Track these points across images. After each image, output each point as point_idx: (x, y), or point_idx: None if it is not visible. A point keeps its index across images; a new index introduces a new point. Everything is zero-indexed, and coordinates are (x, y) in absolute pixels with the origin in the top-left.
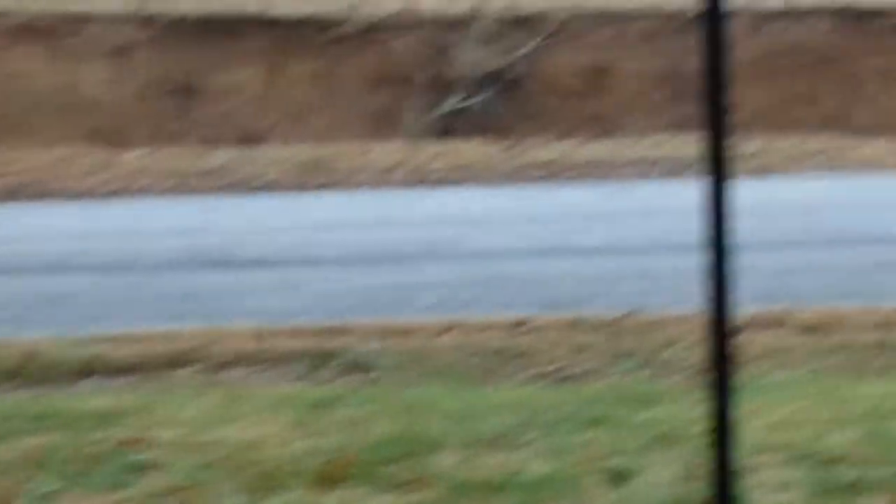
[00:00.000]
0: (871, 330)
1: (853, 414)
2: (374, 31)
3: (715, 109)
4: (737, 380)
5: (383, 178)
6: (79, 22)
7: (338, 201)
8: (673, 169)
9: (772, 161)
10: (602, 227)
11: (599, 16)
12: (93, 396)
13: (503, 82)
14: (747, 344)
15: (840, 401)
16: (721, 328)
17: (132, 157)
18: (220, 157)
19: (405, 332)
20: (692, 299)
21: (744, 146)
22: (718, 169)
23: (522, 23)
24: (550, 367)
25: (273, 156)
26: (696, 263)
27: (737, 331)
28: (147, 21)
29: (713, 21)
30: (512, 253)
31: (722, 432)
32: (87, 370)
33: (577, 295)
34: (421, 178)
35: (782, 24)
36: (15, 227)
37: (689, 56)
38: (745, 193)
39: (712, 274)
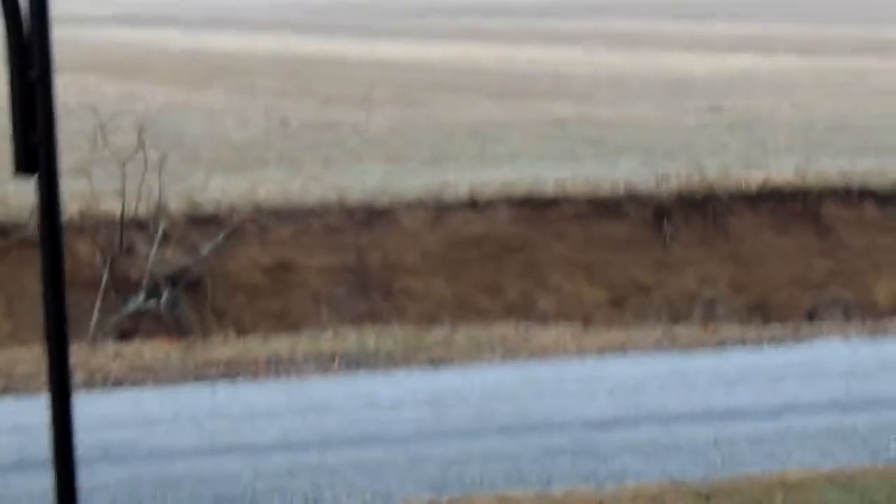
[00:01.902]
0: None
1: None
2: None
3: (55, 323)
4: None
5: None
6: None
7: (14, 407)
8: (352, 362)
9: (452, 351)
10: (278, 423)
11: (281, 212)
12: None
13: (187, 281)
14: None
15: None
16: None
17: None
18: None
19: None
20: (365, 492)
21: (426, 337)
22: (62, 385)
23: (205, 222)
24: None
25: None
26: (369, 456)
27: None
28: None
29: (50, 224)
30: (187, 452)
31: None
32: None
33: (252, 492)
34: (99, 380)
35: (464, 216)
36: None
37: (371, 249)
38: (424, 384)
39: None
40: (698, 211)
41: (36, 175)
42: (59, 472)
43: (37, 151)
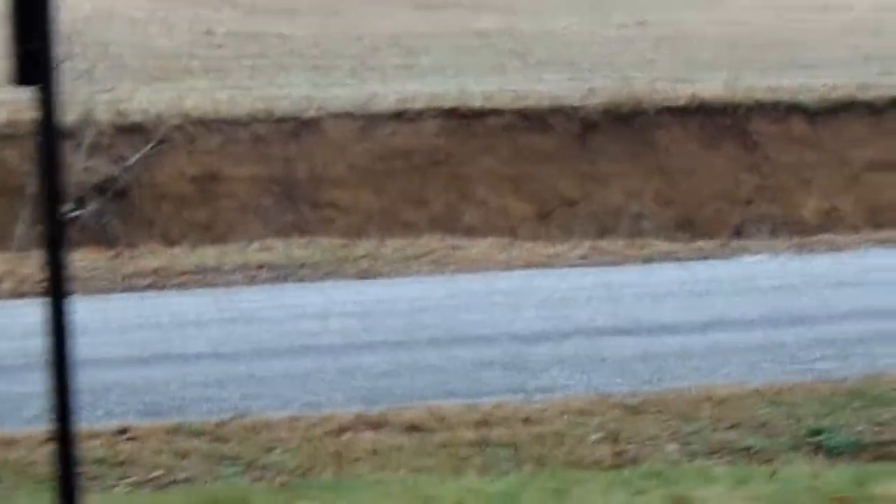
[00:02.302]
0: (471, 428)
1: None
2: None
3: (52, 226)
4: (321, 481)
5: None
6: None
7: None
8: (280, 273)
9: (380, 263)
10: (206, 332)
11: (209, 122)
12: None
13: (114, 191)
14: (350, 444)
15: (424, 499)
16: (65, 441)
17: None
18: None
19: (8, 443)
20: (294, 402)
21: (353, 249)
22: (58, 287)
23: (132, 131)
24: (152, 474)
25: None
26: (297, 367)
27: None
28: None
29: (48, 133)
30: (116, 361)
31: None
32: None
33: (180, 401)
34: (28, 289)
35: (392, 127)
36: None
37: (299, 161)
38: (352, 296)
39: (55, 390)
40: (625, 125)
41: (36, 84)
42: (55, 376)
43: (37, 60)
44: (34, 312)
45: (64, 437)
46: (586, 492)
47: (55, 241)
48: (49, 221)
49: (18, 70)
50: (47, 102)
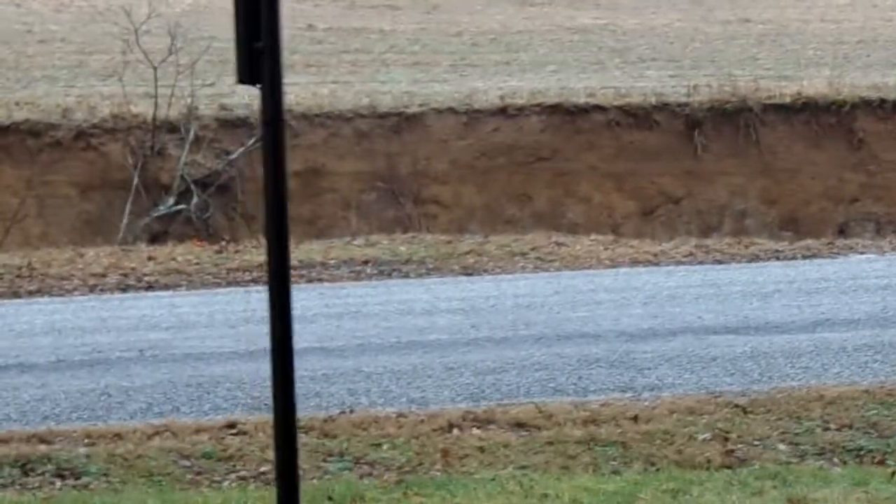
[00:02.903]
0: (579, 425)
1: None
2: (86, 135)
3: (276, 219)
4: (441, 477)
5: (95, 283)
6: None
7: (49, 307)
8: (384, 269)
9: (484, 259)
10: (312, 327)
11: (312, 117)
12: None
13: (217, 185)
14: (458, 441)
15: (539, 497)
16: (288, 430)
17: None
18: None
19: (115, 436)
20: (401, 398)
21: (457, 245)
22: (281, 277)
23: (235, 125)
24: (260, 469)
25: None
26: (404, 363)
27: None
28: None
29: (274, 131)
30: (223, 355)
31: None
32: None
33: None
34: (133, 282)
35: (494, 123)
36: None
37: (402, 156)
38: (457, 292)
39: (278, 377)
40: (730, 122)
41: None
42: (277, 363)
43: (260, 60)
44: (139, 306)
45: (285, 425)
46: (703, 492)
47: (279, 235)
48: (273, 217)
49: (243, 69)
50: (272, 101)
